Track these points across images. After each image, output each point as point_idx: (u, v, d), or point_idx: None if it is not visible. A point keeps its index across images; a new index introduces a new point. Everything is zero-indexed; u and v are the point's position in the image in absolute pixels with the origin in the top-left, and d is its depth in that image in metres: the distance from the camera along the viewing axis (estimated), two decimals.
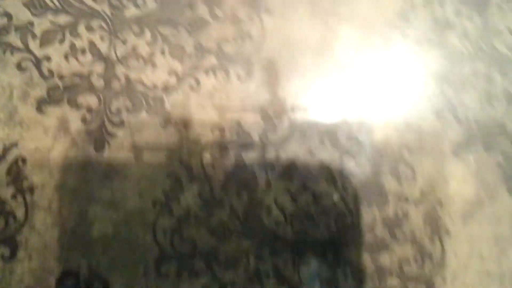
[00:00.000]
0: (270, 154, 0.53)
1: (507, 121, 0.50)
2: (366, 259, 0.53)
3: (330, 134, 0.52)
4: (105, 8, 0.52)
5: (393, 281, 0.53)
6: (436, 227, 0.52)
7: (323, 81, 0.52)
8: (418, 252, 0.53)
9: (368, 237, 0.53)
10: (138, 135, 0.52)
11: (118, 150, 0.52)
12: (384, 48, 0.53)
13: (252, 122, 0.52)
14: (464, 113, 0.50)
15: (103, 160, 0.51)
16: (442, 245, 0.53)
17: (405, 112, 0.51)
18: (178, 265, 0.52)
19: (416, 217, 0.52)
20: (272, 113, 0.52)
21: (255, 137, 0.52)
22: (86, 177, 0.51)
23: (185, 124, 0.52)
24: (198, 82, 0.52)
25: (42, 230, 0.49)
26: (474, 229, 0.52)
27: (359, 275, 0.53)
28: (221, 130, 0.52)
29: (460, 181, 0.51)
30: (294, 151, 0.53)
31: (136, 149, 0.52)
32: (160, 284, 0.52)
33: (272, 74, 0.52)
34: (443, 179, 0.52)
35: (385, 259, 0.53)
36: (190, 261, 0.52)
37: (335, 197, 0.53)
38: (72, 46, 0.51)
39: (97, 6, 0.52)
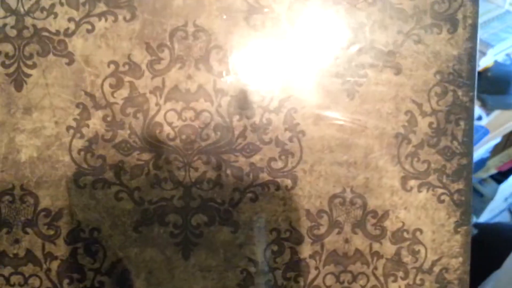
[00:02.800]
0: (157, 81, 0.64)
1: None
2: (242, 160, 0.64)
3: (203, 61, 0.63)
4: None
5: (265, 175, 0.65)
6: (294, 130, 0.63)
7: None
8: (282, 152, 0.64)
9: (241, 142, 0.64)
10: (48, 73, 0.63)
11: (33, 88, 0.63)
12: None
13: (140, 55, 0.63)
14: None
15: (23, 97, 0.63)
16: (300, 144, 0.64)
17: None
18: (93, 178, 0.64)
19: (277, 123, 0.63)
20: (156, 46, 0.63)
21: (143, 67, 0.63)
22: (10, 112, 0.63)
23: (85, 61, 0.63)
24: (93, 26, 0.63)
25: None
26: (323, 129, 0.63)
27: (237, 173, 0.65)
28: (116, 64, 0.63)
29: (306, 92, 0.63)
30: (176, 78, 0.64)
31: (48, 86, 0.63)
32: (79, 194, 0.64)
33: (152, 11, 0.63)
34: (295, 91, 0.63)
35: (257, 159, 0.64)
36: (102, 174, 0.64)
37: (212, 110, 0.64)
38: None
39: None
